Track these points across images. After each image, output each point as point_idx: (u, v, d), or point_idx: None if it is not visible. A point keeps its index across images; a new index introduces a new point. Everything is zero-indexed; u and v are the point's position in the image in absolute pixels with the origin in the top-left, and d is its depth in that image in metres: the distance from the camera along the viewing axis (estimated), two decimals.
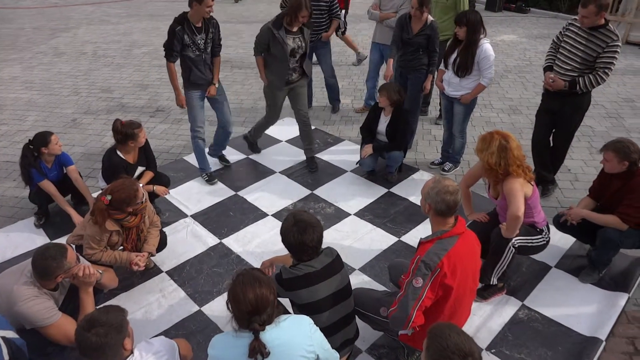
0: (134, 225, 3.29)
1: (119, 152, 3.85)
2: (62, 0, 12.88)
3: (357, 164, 4.84)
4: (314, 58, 6.12)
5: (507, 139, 3.04)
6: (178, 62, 4.30)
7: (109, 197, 3.09)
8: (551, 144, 4.38)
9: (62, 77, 7.67)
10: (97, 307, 2.10)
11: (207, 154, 4.81)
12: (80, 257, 2.82)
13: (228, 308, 2.04)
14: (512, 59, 8.29)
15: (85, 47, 9.22)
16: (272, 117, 4.91)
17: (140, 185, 3.26)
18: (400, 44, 4.74)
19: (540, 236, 3.31)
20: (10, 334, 2.25)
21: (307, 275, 2.46)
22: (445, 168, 4.88)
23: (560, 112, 4.13)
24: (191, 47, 4.17)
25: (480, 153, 3.11)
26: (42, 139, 3.96)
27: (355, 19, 10.52)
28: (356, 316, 2.76)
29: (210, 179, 4.78)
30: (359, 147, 5.38)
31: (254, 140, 5.25)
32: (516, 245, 3.18)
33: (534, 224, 3.30)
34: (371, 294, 2.88)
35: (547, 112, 4.24)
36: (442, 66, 4.56)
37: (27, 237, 4.07)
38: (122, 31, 10.29)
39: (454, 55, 4.30)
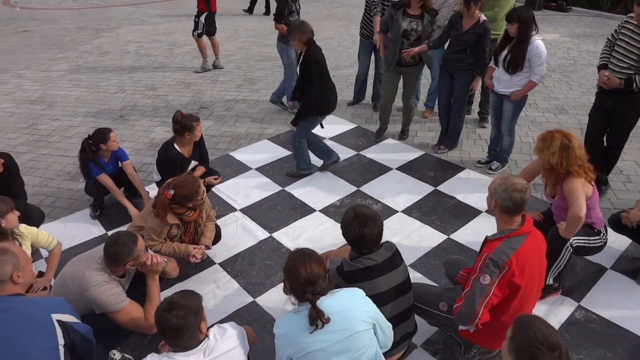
0: (193, 219, 3.38)
1: (175, 145, 3.96)
2: (103, 1, 13.26)
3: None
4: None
5: (570, 138, 3.01)
6: None
7: (172, 192, 3.19)
8: (604, 144, 4.29)
9: (108, 75, 7.90)
10: (176, 292, 2.17)
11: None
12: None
13: (286, 287, 2.23)
14: (556, 58, 8.15)
15: (128, 46, 9.47)
16: (385, 97, 5.34)
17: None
18: (447, 39, 4.76)
19: (597, 237, 3.26)
20: (69, 318, 2.29)
21: (369, 268, 2.49)
22: (493, 167, 4.84)
23: (615, 111, 4.05)
24: (294, 12, 5.79)
25: (540, 152, 3.07)
26: (101, 135, 4.10)
27: None
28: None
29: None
30: (402, 144, 5.43)
31: (383, 127, 5.60)
32: (574, 246, 3.14)
33: (592, 225, 3.25)
34: (430, 289, 2.89)
35: (601, 111, 4.16)
36: (491, 63, 4.52)
37: (84, 228, 4.22)
38: (162, 31, 10.53)
39: (505, 52, 4.26)
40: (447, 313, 2.73)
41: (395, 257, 2.58)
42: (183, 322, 2.00)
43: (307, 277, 2.13)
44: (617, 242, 3.78)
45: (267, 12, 11.83)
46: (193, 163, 4.17)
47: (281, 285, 3.42)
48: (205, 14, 7.64)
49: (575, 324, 3.15)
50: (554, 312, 3.23)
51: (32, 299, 2.23)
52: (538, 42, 4.13)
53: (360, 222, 2.47)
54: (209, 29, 7.78)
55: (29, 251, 3.09)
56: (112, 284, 2.67)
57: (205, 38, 7.79)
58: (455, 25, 4.61)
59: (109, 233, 4.15)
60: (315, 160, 4.95)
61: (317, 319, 2.08)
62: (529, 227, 2.48)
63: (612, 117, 4.09)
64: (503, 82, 4.37)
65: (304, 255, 2.23)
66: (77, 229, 4.21)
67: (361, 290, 2.30)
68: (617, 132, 4.15)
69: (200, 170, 4.19)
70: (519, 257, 2.38)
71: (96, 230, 4.20)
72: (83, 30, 10.65)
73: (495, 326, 2.53)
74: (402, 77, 5.17)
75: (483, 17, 4.52)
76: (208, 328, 2.21)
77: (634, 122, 4.09)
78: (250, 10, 12.10)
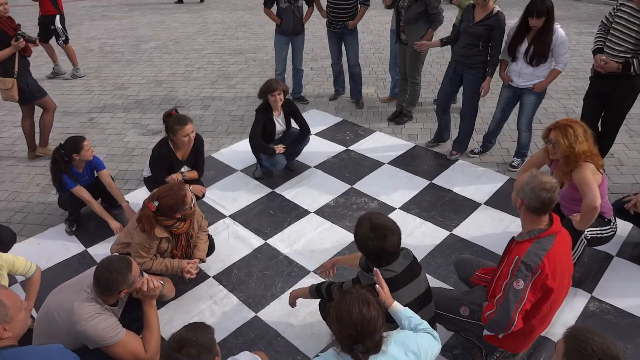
0: (184, 231, 3.12)
1: (170, 144, 3.76)
2: None
3: (256, 172, 4.68)
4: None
5: (579, 123, 2.94)
6: None
7: (156, 204, 2.93)
8: (599, 129, 4.23)
9: None
10: (184, 327, 1.93)
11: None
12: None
13: (330, 327, 1.85)
14: None
15: (91, 43, 8.96)
16: (399, 72, 5.55)
17: (189, 188, 3.09)
18: (458, 34, 4.45)
19: (609, 226, 3.19)
20: None
21: (389, 281, 2.30)
22: (514, 164, 4.60)
23: (612, 96, 3.97)
24: None
25: (570, 148, 2.91)
26: (74, 144, 3.78)
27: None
28: None
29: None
30: (392, 137, 5.27)
31: (407, 112, 5.63)
32: (588, 237, 3.06)
33: (602, 214, 3.16)
34: (448, 293, 2.75)
35: (597, 95, 4.09)
36: (503, 56, 4.27)
37: (61, 246, 3.89)
38: (126, 26, 10.02)
39: (525, 45, 4.04)
40: (469, 318, 2.60)
41: (414, 265, 2.41)
42: None
43: (360, 329, 1.73)
44: (619, 228, 3.70)
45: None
46: (186, 168, 3.91)
47: (284, 296, 3.27)
48: (58, 17, 6.93)
49: (591, 316, 3.08)
50: (569, 306, 3.13)
51: (24, 351, 1.89)
52: (560, 30, 3.95)
53: (379, 235, 2.23)
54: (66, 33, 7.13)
55: (5, 282, 2.78)
56: (105, 314, 2.39)
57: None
58: (467, 17, 4.29)
59: (89, 250, 3.84)
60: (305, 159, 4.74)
61: None
62: (557, 227, 2.35)
63: (608, 101, 4.02)
64: (525, 75, 4.15)
65: (365, 300, 1.79)
66: (53, 247, 3.88)
67: (410, 335, 1.98)
68: (613, 116, 4.09)
69: (193, 173, 3.93)
70: (551, 258, 2.25)
71: (74, 247, 3.87)
72: None
73: (524, 330, 2.41)
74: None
75: (497, 9, 4.19)
76: None
77: (630, 106, 4.03)
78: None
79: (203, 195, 3.99)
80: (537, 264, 2.21)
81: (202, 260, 3.30)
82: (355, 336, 1.75)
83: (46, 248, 3.87)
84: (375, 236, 2.23)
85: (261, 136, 4.37)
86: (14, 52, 4.57)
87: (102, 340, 2.34)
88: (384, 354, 1.82)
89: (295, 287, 3.33)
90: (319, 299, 2.73)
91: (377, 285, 2.20)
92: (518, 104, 4.46)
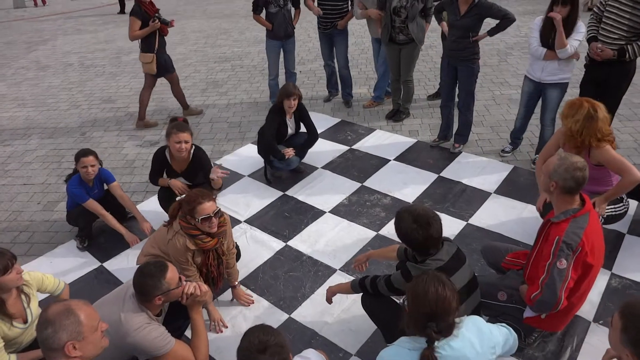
0: (210, 247, 3.01)
1: (167, 152, 3.80)
2: (28, 13, 12.21)
3: (268, 173, 4.66)
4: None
5: (597, 109, 3.01)
6: None
7: (184, 196, 3.00)
8: None
9: (55, 91, 7.25)
10: (252, 329, 1.90)
11: None
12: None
13: (404, 309, 1.90)
14: (509, 37, 8.37)
15: (69, 58, 8.76)
16: (391, 74, 5.56)
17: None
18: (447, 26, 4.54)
19: (621, 204, 3.32)
20: None
21: (439, 270, 2.34)
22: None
23: (607, 82, 4.14)
24: (273, 3, 5.53)
25: (565, 119, 3.04)
26: (76, 157, 3.72)
27: None
28: None
29: None
30: (393, 134, 5.34)
31: (404, 109, 5.71)
32: (604, 216, 3.17)
33: None
34: (484, 280, 2.79)
35: (593, 82, 4.24)
36: (536, 42, 4.20)
37: (75, 262, 3.79)
38: (103, 39, 9.84)
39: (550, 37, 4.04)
40: (507, 302, 2.67)
41: (459, 253, 2.45)
42: None
43: (435, 307, 1.80)
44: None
45: (122, 11, 11.94)
46: (182, 181, 3.89)
47: (314, 296, 3.28)
48: None
49: (615, 292, 3.19)
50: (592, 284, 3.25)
51: None
52: (580, 22, 4.00)
53: (422, 225, 2.27)
54: None
55: (36, 300, 2.69)
56: (154, 324, 2.35)
57: None
58: (452, 10, 4.37)
59: (105, 264, 3.76)
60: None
61: None
62: (589, 206, 2.44)
63: (604, 87, 4.18)
64: (550, 69, 4.14)
65: (440, 280, 1.87)
66: (66, 264, 3.78)
67: (479, 321, 2.00)
68: (609, 102, 4.16)
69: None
70: (588, 236, 2.34)
71: (89, 263, 3.77)
72: (13, 45, 9.74)
73: (565, 309, 2.49)
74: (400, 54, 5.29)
75: None
76: None
77: (625, 90, 4.22)
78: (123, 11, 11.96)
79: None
80: (578, 242, 2.30)
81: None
82: (430, 313, 1.80)
83: (59, 266, 3.76)
84: (418, 226, 2.27)
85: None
86: (151, 31, 5.26)
87: (154, 351, 2.31)
88: (456, 337, 1.86)
89: (324, 286, 3.35)
90: (361, 294, 2.75)
91: None
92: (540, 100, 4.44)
